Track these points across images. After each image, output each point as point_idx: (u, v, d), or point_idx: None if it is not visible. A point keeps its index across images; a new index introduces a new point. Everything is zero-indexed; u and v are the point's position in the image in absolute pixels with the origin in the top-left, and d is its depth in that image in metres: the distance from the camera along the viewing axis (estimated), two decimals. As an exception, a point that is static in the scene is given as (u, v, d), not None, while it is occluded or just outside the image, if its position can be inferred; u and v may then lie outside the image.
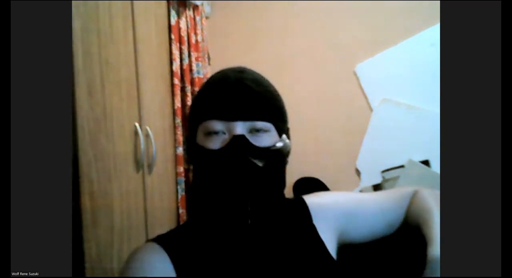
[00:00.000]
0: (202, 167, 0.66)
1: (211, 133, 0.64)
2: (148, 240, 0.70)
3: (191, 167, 1.91)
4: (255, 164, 0.63)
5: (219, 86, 0.67)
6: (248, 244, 0.68)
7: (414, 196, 0.79)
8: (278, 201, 0.70)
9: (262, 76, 0.71)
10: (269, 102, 0.67)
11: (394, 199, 0.81)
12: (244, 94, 0.65)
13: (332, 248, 0.73)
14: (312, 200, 0.79)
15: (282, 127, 0.69)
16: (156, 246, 0.66)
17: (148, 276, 0.61)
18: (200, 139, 0.66)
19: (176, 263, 0.64)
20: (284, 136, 0.69)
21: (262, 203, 0.65)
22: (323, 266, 0.70)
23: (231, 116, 0.64)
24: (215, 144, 0.64)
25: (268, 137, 0.65)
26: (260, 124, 0.65)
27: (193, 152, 0.68)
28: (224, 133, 0.64)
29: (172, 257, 0.64)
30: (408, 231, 0.76)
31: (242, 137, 0.63)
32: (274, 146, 0.66)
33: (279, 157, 0.67)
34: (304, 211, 0.76)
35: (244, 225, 0.64)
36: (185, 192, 1.87)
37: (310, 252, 0.70)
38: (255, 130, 0.64)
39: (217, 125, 0.64)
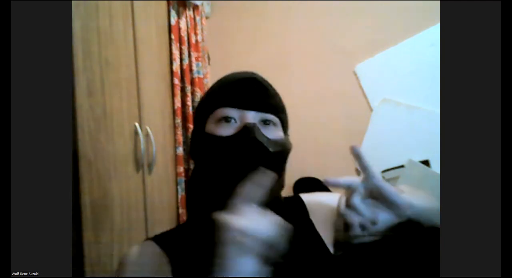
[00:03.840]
0: (211, 153, 0.67)
1: (223, 120, 0.66)
2: (146, 239, 0.70)
3: (191, 166, 1.92)
4: (267, 148, 0.65)
5: (233, 80, 0.70)
6: None
7: None
8: (278, 197, 0.71)
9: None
10: (277, 99, 0.71)
11: None
12: (258, 88, 0.69)
13: (329, 242, 0.74)
14: (308, 197, 0.80)
15: (286, 126, 0.73)
16: (152, 244, 0.66)
17: (144, 272, 0.62)
18: (210, 127, 0.68)
19: (173, 261, 0.64)
20: (288, 136, 0.73)
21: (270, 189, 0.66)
22: (320, 258, 0.70)
23: (244, 105, 0.66)
24: (227, 130, 0.66)
25: (275, 131, 0.69)
26: (269, 116, 0.68)
27: (201, 141, 0.69)
28: (235, 121, 0.66)
29: (168, 255, 0.65)
30: (408, 227, 0.77)
31: (254, 125, 0.65)
32: (280, 139, 0.69)
33: (283, 150, 0.69)
34: (301, 207, 0.78)
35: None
36: (185, 192, 1.87)
37: (307, 246, 0.71)
38: (264, 122, 0.67)
39: (230, 112, 0.66)
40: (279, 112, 0.70)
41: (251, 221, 0.51)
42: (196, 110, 0.74)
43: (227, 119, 0.66)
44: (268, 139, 0.66)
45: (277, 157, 0.67)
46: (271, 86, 0.72)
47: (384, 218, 0.61)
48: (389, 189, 0.61)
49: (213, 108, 0.68)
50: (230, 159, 0.64)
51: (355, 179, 0.62)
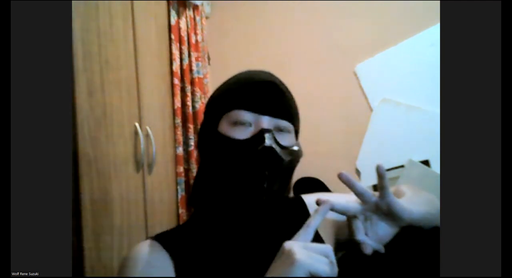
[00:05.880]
0: (223, 155, 0.67)
1: (238, 123, 0.66)
2: (147, 238, 0.70)
3: (191, 166, 1.92)
4: (281, 157, 0.65)
5: (251, 81, 0.69)
6: (248, 239, 0.68)
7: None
8: (282, 198, 0.72)
9: None
10: (293, 106, 0.72)
11: None
12: (275, 93, 0.69)
13: (330, 243, 0.74)
14: (310, 198, 0.81)
15: (297, 133, 0.73)
16: (155, 244, 0.66)
17: (146, 272, 0.62)
18: (224, 127, 0.67)
19: (176, 260, 0.64)
20: (299, 141, 0.73)
21: (275, 194, 0.67)
22: None
23: (261, 110, 0.66)
24: (242, 134, 0.66)
25: (288, 138, 0.69)
26: (284, 123, 0.68)
27: (213, 140, 0.69)
28: (250, 125, 0.66)
29: (171, 254, 0.65)
30: (408, 229, 0.77)
31: (269, 131, 0.65)
32: (292, 146, 0.69)
33: (295, 158, 0.69)
34: (302, 208, 0.78)
35: (257, 206, 0.66)
36: (185, 192, 1.87)
37: None
38: (279, 129, 0.67)
39: (246, 116, 0.66)
40: (294, 119, 0.70)
41: (315, 257, 0.51)
42: (208, 105, 0.73)
43: (242, 122, 0.66)
44: (281, 146, 0.66)
45: (289, 165, 0.68)
46: (288, 90, 0.72)
47: (385, 232, 0.64)
48: (398, 206, 0.61)
49: (228, 109, 0.67)
50: (243, 163, 0.64)
51: (355, 206, 0.63)
